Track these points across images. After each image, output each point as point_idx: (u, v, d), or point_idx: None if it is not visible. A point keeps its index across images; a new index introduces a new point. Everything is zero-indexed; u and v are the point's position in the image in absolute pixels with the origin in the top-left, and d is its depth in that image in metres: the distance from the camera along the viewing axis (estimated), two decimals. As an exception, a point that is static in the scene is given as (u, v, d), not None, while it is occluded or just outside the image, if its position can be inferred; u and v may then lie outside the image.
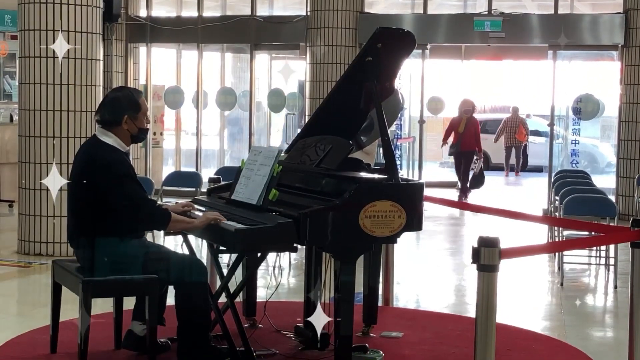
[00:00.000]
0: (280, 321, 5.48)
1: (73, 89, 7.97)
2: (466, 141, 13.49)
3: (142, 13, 14.19)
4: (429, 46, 13.12)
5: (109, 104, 4.66)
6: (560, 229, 7.86)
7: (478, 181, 14.07)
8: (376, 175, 4.79)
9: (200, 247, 7.39)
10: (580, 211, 7.48)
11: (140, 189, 4.52)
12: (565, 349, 5.41)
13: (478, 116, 19.21)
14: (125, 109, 4.58)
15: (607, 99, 12.85)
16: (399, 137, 13.98)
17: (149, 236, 4.92)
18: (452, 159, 14.20)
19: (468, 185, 13.62)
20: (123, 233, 4.50)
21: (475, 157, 13.72)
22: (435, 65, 14.78)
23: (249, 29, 13.57)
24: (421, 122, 13.94)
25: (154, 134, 14.02)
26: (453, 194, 14.03)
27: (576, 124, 12.69)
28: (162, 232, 4.87)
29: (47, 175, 7.92)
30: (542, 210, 11.09)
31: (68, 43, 7.88)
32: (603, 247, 7.89)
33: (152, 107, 13.86)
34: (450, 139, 13.74)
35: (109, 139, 4.57)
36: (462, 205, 11.63)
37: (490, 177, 18.59)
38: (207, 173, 11.94)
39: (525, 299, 6.98)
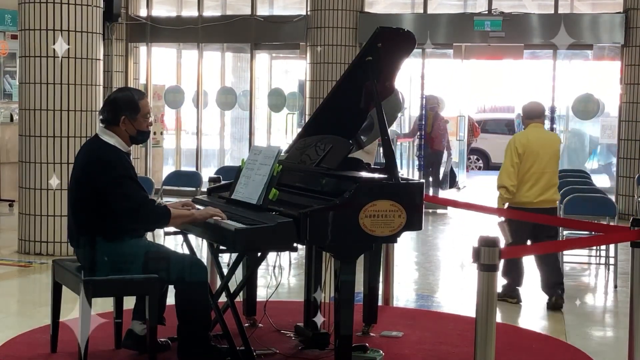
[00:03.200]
0: (280, 321, 5.48)
1: (73, 89, 7.97)
2: (435, 141, 13.08)
3: (142, 13, 14.19)
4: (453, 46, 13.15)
5: (109, 103, 4.67)
6: (560, 228, 7.86)
7: (453, 179, 14.00)
8: (376, 175, 4.80)
9: (200, 247, 7.39)
10: (580, 211, 7.48)
11: (140, 189, 4.52)
12: (565, 349, 5.41)
13: (478, 116, 19.27)
14: (122, 109, 4.57)
15: (606, 99, 12.87)
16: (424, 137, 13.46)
17: (149, 236, 4.92)
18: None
19: (441, 181, 13.33)
20: (123, 233, 4.50)
21: (446, 156, 13.51)
22: (435, 64, 14.78)
23: (249, 29, 13.57)
24: (445, 121, 13.86)
25: (154, 133, 14.02)
26: (453, 193, 14.03)
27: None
28: (162, 232, 4.88)
29: (47, 175, 7.94)
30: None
31: (68, 43, 7.88)
32: (603, 247, 7.89)
33: (153, 107, 13.86)
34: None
35: (111, 138, 4.57)
36: (462, 205, 11.59)
37: (491, 177, 18.66)
38: (207, 173, 11.95)
39: (525, 299, 6.98)
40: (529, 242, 6.50)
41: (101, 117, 4.67)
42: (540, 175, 6.52)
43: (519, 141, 6.56)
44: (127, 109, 4.58)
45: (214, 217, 4.51)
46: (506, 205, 6.50)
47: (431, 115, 12.91)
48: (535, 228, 6.47)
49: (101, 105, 8.20)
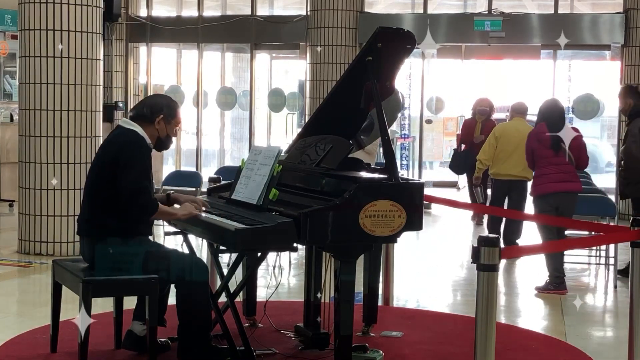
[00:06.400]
0: (280, 321, 5.48)
1: (73, 89, 7.97)
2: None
3: (142, 13, 14.20)
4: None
5: (150, 100, 4.81)
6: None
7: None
8: (376, 175, 4.79)
9: (200, 247, 7.39)
10: (580, 211, 7.48)
11: (146, 179, 4.53)
12: (565, 349, 5.41)
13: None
14: (162, 109, 4.69)
15: (607, 99, 12.85)
16: (407, 136, 13.66)
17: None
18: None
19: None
20: (125, 232, 4.51)
21: None
22: (435, 65, 14.77)
23: (249, 29, 13.58)
24: (428, 121, 13.85)
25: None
26: (453, 194, 14.02)
27: None
28: (162, 232, 4.88)
29: (47, 175, 7.94)
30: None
31: (68, 43, 7.88)
32: (603, 247, 7.89)
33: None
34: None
35: (135, 128, 4.63)
36: (462, 205, 11.57)
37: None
38: (207, 173, 11.95)
39: (525, 299, 6.99)
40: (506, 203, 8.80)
41: (135, 112, 4.72)
42: (509, 155, 8.61)
43: (498, 128, 9.00)
44: (166, 110, 4.71)
45: (194, 213, 4.59)
46: (481, 173, 9.12)
47: (480, 121, 11.18)
48: (510, 190, 8.78)
49: (101, 105, 8.28)
